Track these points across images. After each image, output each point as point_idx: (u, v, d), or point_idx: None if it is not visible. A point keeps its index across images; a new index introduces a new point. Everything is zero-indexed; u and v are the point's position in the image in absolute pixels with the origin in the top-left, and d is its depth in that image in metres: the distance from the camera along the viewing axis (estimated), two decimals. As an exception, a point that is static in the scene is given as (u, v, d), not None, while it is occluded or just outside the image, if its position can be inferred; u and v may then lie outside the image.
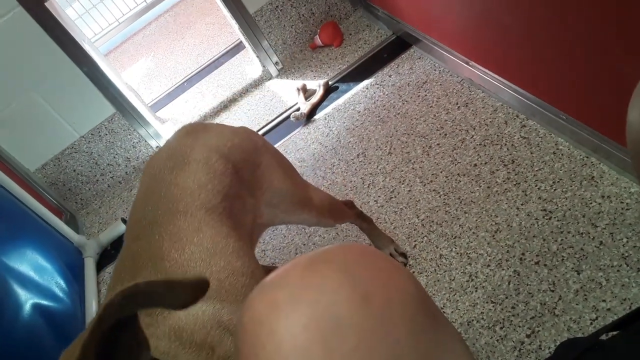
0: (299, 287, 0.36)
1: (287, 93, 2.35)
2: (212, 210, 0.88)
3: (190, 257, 0.80)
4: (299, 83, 2.26)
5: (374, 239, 1.40)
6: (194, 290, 0.44)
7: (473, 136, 1.58)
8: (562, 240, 1.20)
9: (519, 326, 1.11)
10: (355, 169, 1.75)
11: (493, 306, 1.18)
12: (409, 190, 1.55)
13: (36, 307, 1.60)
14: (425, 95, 1.85)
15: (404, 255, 1.38)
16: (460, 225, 1.37)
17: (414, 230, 1.44)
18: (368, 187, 1.65)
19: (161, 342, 0.63)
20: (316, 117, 2.11)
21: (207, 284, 0.45)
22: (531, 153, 1.43)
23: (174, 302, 0.43)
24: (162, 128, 2.48)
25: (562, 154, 1.37)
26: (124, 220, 2.04)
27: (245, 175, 0.99)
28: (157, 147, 2.41)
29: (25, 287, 1.60)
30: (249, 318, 0.38)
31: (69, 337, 1.68)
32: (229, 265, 0.82)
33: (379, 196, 1.60)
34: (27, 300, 1.58)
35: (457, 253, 1.32)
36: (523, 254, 1.22)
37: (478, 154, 1.52)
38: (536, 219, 1.27)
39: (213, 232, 0.85)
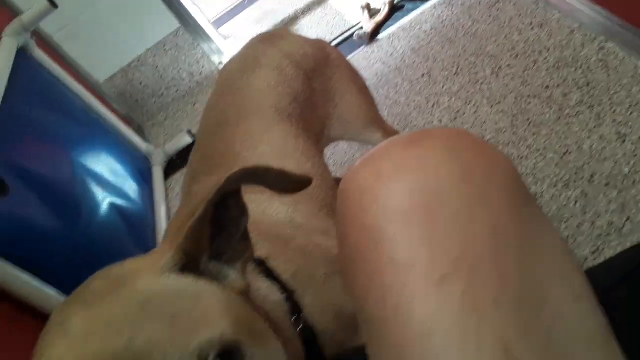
0: (403, 158, 0.38)
1: (350, 11, 2.30)
2: (282, 111, 0.90)
3: (261, 157, 0.83)
4: (363, 1, 2.21)
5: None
6: (298, 184, 0.51)
7: (546, 58, 1.54)
8: (635, 163, 1.18)
9: (584, 244, 1.13)
10: (420, 89, 1.73)
11: (557, 225, 1.18)
12: (475, 112, 1.54)
13: (112, 206, 1.70)
14: (497, 15, 1.79)
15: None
16: (527, 147, 1.36)
17: (479, 150, 1.44)
18: (432, 107, 1.65)
19: None
20: (380, 36, 2.08)
21: (311, 182, 0.50)
22: (608, 76, 1.38)
23: (277, 186, 0.50)
24: (225, 44, 2.50)
25: (642, 78, 1.32)
26: (189, 132, 2.10)
27: (317, 86, 1.00)
28: (219, 63, 2.44)
29: (101, 187, 1.71)
30: (353, 186, 0.40)
31: (142, 237, 1.80)
32: (299, 166, 0.84)
33: (443, 116, 1.59)
34: (104, 199, 1.69)
35: (523, 174, 1.32)
36: (592, 175, 1.22)
37: (551, 76, 1.48)
38: (609, 142, 1.25)
39: (283, 132, 0.87)
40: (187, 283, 0.44)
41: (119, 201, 1.74)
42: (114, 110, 2.17)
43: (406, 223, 0.35)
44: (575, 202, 1.19)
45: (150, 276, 0.44)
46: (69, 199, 1.56)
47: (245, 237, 0.53)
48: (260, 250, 0.64)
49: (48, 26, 2.14)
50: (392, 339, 0.33)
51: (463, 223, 0.34)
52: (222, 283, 0.48)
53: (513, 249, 0.34)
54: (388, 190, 0.36)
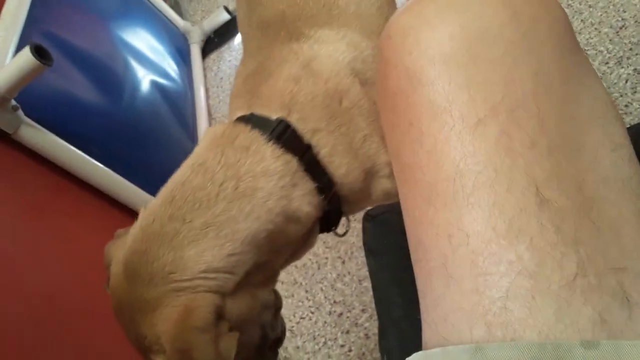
0: (447, 1, 0.36)
1: None
2: None
3: None
4: None
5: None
6: None
7: None
8: (697, 38, 1.11)
9: (629, 123, 1.09)
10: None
11: (604, 104, 1.14)
12: (528, -18, 1.44)
13: (153, 83, 1.73)
14: None
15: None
16: (582, 20, 1.28)
17: (528, 25, 1.36)
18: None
19: (293, 66, 0.65)
20: None
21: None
22: (681, -59, 1.25)
23: None
24: None
25: None
26: (226, 9, 2.05)
27: None
28: None
29: (142, 64, 1.72)
30: (396, 29, 0.38)
31: (182, 115, 1.83)
32: None
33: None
34: (145, 76, 1.71)
35: (573, 49, 1.25)
36: (648, 52, 1.15)
37: (615, -58, 1.35)
38: (672, 15, 1.16)
39: None
40: None
41: (159, 79, 1.76)
42: (149, -15, 2.12)
43: (447, 66, 0.34)
44: (626, 81, 1.14)
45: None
46: (112, 74, 1.58)
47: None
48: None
49: None
50: (425, 182, 0.34)
51: (505, 67, 0.33)
52: None
53: (554, 95, 0.33)
54: (431, 33, 0.36)
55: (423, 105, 0.35)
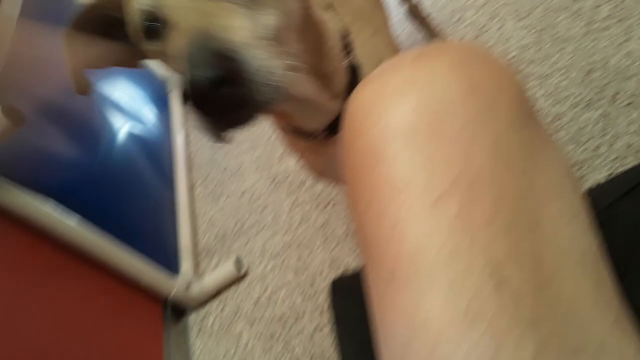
0: (409, 75, 0.36)
1: None
2: None
3: None
4: None
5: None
6: None
7: (577, -32, 1.44)
8: (662, 81, 1.13)
9: (599, 167, 1.10)
10: (443, 4, 1.66)
11: (574, 147, 1.16)
12: (500, 27, 1.47)
13: (130, 132, 1.72)
14: None
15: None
16: (552, 64, 1.31)
17: (500, 69, 1.39)
18: (456, 22, 1.58)
19: None
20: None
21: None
22: (642, -13, 1.30)
23: None
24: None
25: (678, -12, 1.24)
26: (205, 55, 2.07)
27: None
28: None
29: (119, 114, 1.72)
30: (356, 105, 0.38)
31: (159, 162, 1.82)
32: None
33: (467, 32, 1.53)
34: (122, 126, 1.70)
35: (545, 93, 1.28)
36: (616, 94, 1.17)
37: (580, -12, 1.40)
38: (636, 58, 1.19)
39: None
40: None
41: (136, 128, 1.76)
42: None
43: (407, 143, 0.34)
44: (596, 123, 1.16)
45: None
46: (88, 127, 1.57)
47: None
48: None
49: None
50: (387, 259, 0.33)
51: (465, 140, 0.33)
52: None
53: (512, 168, 0.33)
54: (391, 110, 0.35)
55: (384, 182, 0.35)
